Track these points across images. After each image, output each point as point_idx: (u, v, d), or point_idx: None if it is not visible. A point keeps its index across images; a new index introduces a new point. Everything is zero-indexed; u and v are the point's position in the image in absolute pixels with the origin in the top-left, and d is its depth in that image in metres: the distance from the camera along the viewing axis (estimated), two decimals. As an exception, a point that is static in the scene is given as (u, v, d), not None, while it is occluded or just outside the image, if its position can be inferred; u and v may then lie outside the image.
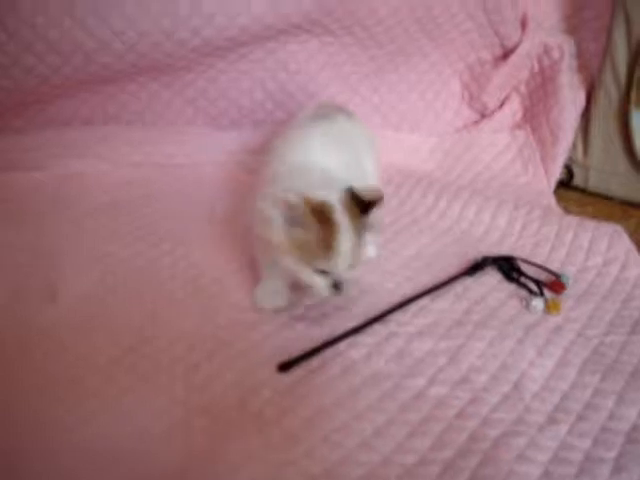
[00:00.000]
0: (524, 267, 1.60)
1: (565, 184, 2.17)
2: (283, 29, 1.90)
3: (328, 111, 1.52)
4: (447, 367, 1.30)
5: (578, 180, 2.17)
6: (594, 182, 2.14)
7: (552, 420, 1.19)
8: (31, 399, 1.20)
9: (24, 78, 1.82)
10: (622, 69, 1.98)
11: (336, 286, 1.22)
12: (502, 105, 2.29)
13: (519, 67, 2.19)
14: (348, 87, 2.18)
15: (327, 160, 1.31)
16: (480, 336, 1.38)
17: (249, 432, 1.14)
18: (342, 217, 1.17)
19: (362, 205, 1.20)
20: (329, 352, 1.32)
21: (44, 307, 1.43)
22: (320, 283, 1.22)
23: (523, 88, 2.25)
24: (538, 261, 1.63)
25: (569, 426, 1.17)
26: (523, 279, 1.58)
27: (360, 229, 1.20)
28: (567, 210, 1.98)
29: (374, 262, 1.58)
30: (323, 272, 1.20)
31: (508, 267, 1.60)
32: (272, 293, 1.42)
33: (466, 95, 2.31)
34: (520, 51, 2.16)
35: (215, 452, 1.10)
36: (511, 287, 1.57)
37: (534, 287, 1.53)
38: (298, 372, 1.27)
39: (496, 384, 1.26)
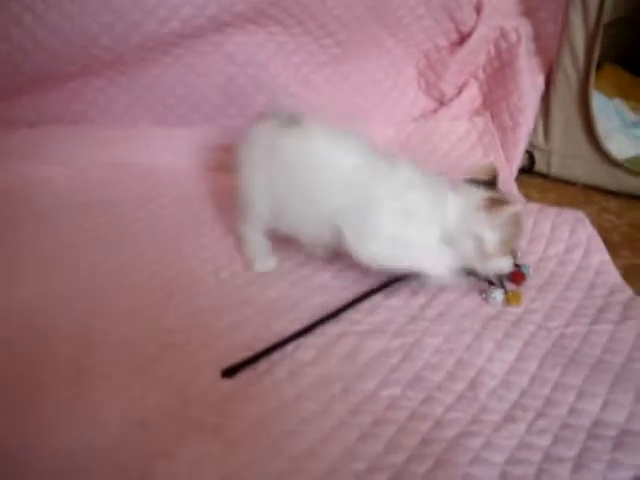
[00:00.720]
0: None
1: (527, 170, 2.13)
2: (228, 20, 1.83)
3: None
4: (400, 366, 1.24)
5: (540, 166, 2.13)
6: (556, 167, 2.10)
7: (509, 418, 1.13)
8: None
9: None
10: (580, 50, 1.94)
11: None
12: (460, 92, 2.24)
13: (476, 52, 2.15)
14: (300, 78, 2.11)
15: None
16: (436, 332, 1.33)
17: (189, 443, 1.07)
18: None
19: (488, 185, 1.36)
20: (276, 355, 1.26)
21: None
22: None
23: (481, 74, 2.21)
24: None
25: (527, 424, 1.12)
26: (482, 270, 1.50)
27: None
28: (529, 197, 1.94)
29: (325, 259, 1.52)
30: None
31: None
32: (263, 256, 1.51)
33: (423, 83, 2.27)
34: (476, 36, 2.11)
35: (151, 468, 1.03)
36: (471, 279, 1.49)
37: (494, 279, 1.46)
38: (243, 377, 1.21)
39: (451, 382, 1.21)
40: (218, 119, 2.09)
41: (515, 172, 2.07)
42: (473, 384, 1.20)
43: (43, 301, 1.41)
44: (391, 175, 1.34)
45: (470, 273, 1.38)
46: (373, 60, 2.18)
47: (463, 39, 2.16)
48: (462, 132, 2.19)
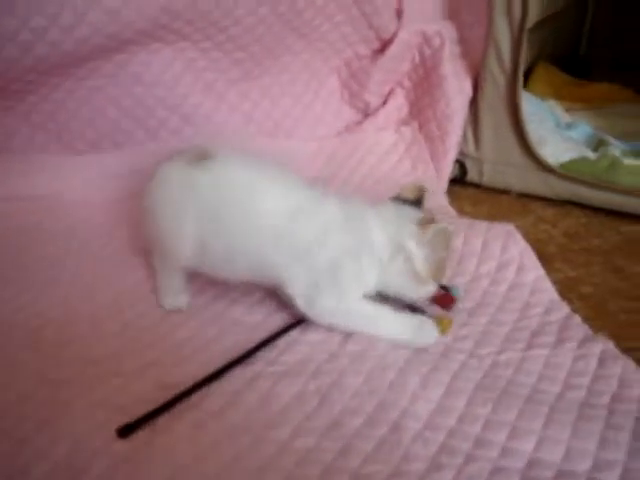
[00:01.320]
0: None
1: (458, 180, 2.06)
2: (129, 38, 1.71)
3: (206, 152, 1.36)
4: (317, 411, 1.13)
5: (472, 175, 2.05)
6: (489, 176, 2.03)
7: (435, 466, 1.02)
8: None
9: None
10: (506, 52, 1.87)
11: None
12: (386, 101, 2.16)
13: (399, 59, 2.06)
14: (214, 95, 2.00)
15: None
16: (356, 370, 1.22)
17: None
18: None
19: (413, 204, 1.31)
20: (180, 407, 1.14)
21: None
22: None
23: (407, 81, 2.13)
24: None
25: (455, 471, 1.01)
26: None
27: None
28: (461, 210, 1.85)
29: (237, 291, 1.44)
30: None
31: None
32: (177, 294, 1.41)
33: (346, 94, 2.18)
34: (397, 42, 2.03)
35: None
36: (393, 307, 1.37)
37: (421, 305, 1.38)
38: (140, 435, 1.09)
39: (371, 427, 1.10)
40: (127, 144, 1.96)
41: (446, 183, 1.99)
42: (396, 428, 1.10)
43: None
44: (320, 219, 1.30)
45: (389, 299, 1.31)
46: (291, 72, 2.08)
47: (385, 46, 2.08)
48: (389, 144, 2.10)
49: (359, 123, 2.17)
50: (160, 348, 1.31)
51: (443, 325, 1.32)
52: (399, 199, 1.30)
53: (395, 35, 2.04)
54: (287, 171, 1.36)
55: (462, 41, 2.05)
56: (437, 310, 1.37)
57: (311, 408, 1.14)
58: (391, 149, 2.09)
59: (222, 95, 2.02)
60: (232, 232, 1.29)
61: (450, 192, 1.95)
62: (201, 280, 1.42)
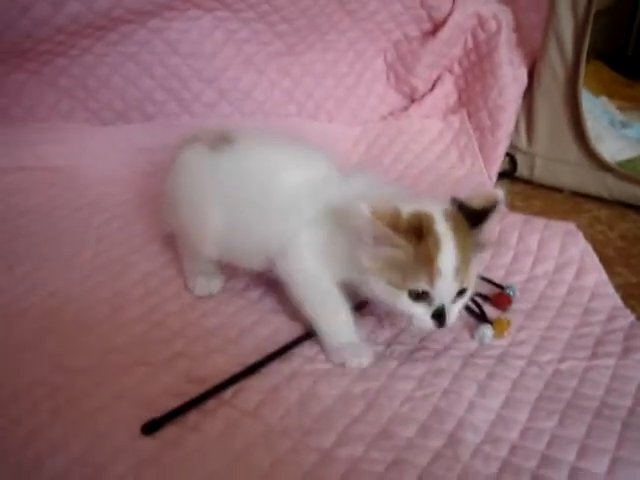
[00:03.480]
0: None
1: (508, 175, 1.94)
2: (165, 2, 1.60)
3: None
4: (363, 417, 1.02)
5: (522, 170, 1.93)
6: (540, 172, 1.91)
7: (499, 486, 0.89)
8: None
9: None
10: (568, 42, 1.74)
11: (438, 315, 1.05)
12: (433, 87, 2.04)
13: (451, 43, 1.94)
14: (253, 69, 1.88)
15: None
16: (406, 373, 1.11)
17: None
18: (444, 229, 1.02)
19: (472, 216, 1.06)
20: (211, 403, 1.03)
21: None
22: (419, 311, 1.05)
23: (457, 67, 2.01)
24: (479, 269, 1.32)
25: (520, 492, 0.88)
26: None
27: (469, 245, 1.04)
28: (511, 205, 1.73)
29: (270, 281, 1.30)
30: (423, 298, 1.04)
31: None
32: (207, 278, 1.32)
33: (392, 77, 2.06)
34: (451, 24, 1.90)
35: None
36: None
37: (473, 306, 1.26)
38: (167, 433, 0.98)
39: (425, 438, 0.98)
40: (159, 116, 1.86)
41: (494, 177, 1.88)
42: (452, 440, 0.98)
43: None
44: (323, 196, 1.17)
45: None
46: (336, 51, 1.96)
47: (436, 28, 1.95)
48: (435, 132, 1.99)
49: (404, 109, 2.07)
50: (189, 336, 1.20)
51: (501, 326, 1.22)
52: (458, 201, 1.08)
53: (449, 16, 1.92)
54: (308, 149, 1.27)
55: (518, 27, 1.92)
56: (494, 310, 1.28)
57: (357, 413, 1.03)
58: (437, 138, 1.98)
59: (262, 70, 1.91)
60: (251, 216, 1.20)
61: (498, 187, 1.81)
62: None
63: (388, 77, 2.07)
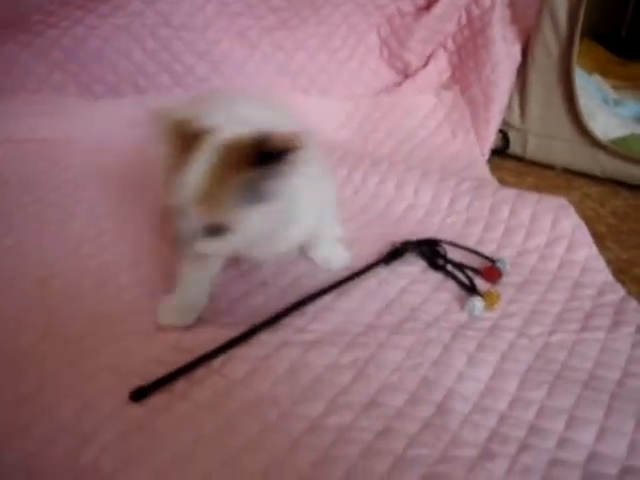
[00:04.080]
0: (453, 252, 1.35)
1: (500, 152, 1.93)
2: (160, -28, 1.57)
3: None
4: (352, 386, 1.02)
5: (515, 147, 1.93)
6: (533, 149, 1.90)
7: (487, 454, 0.92)
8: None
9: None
10: (562, 19, 1.73)
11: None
12: (427, 63, 2.03)
13: (445, 18, 1.94)
14: (246, 43, 1.88)
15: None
16: (396, 344, 1.10)
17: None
18: (209, 148, 0.90)
19: (259, 151, 0.90)
20: (200, 371, 1.03)
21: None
22: (181, 226, 0.95)
23: (450, 43, 1.99)
24: (470, 242, 1.40)
25: (509, 461, 0.91)
26: (451, 267, 1.31)
27: (238, 180, 0.90)
28: (503, 181, 1.74)
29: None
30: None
31: (432, 252, 1.30)
32: (183, 306, 1.15)
33: (385, 52, 2.05)
34: (445, 0, 1.86)
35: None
36: (437, 277, 1.31)
37: (464, 278, 1.28)
38: (156, 401, 0.98)
39: (414, 407, 0.98)
40: (150, 89, 1.85)
41: (487, 153, 1.86)
42: (441, 410, 0.98)
43: None
44: None
45: None
46: (329, 26, 1.96)
47: (430, 4, 1.95)
48: (428, 108, 1.98)
49: (397, 84, 2.06)
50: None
51: (491, 299, 1.21)
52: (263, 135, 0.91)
53: (443, -8, 1.88)
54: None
55: (511, 3, 1.91)
56: (483, 283, 1.27)
57: (346, 382, 1.03)
58: (430, 114, 1.97)
59: (255, 44, 1.90)
60: None
61: (491, 163, 1.83)
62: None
63: (381, 52, 2.05)
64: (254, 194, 0.92)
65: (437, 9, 1.92)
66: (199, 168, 0.89)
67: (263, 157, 0.89)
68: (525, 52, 1.87)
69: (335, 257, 1.31)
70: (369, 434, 0.93)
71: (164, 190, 0.94)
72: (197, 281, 1.15)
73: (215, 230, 0.93)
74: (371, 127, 1.95)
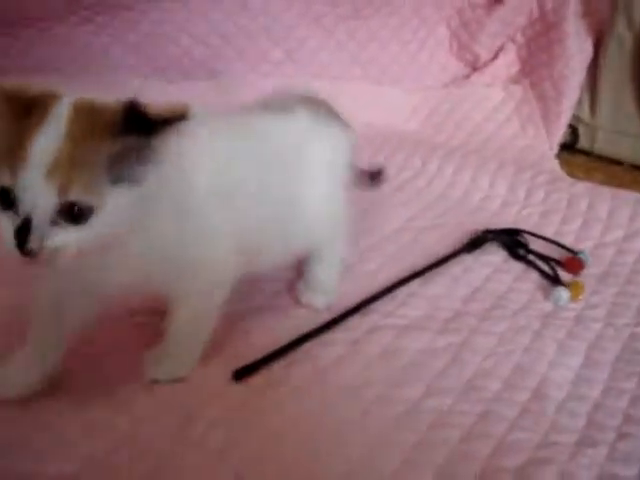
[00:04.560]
0: (532, 243, 1.36)
1: (569, 147, 1.93)
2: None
3: (290, 103, 1.10)
4: (448, 371, 1.02)
5: (583, 142, 1.92)
6: (601, 144, 1.90)
7: (588, 441, 0.91)
8: None
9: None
10: (637, 14, 1.73)
11: (20, 232, 0.70)
12: (495, 56, 2.03)
13: (517, 12, 1.93)
14: (321, 30, 1.89)
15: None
16: (486, 330, 1.11)
17: (185, 471, 0.84)
18: (62, 114, 0.71)
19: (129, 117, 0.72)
20: (295, 354, 1.04)
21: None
22: (5, 228, 0.72)
23: (520, 37, 1.98)
24: (547, 234, 1.39)
25: (609, 448, 0.90)
26: (533, 257, 1.32)
27: (100, 150, 0.71)
28: (572, 176, 1.72)
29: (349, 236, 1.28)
30: (9, 205, 0.71)
31: (513, 242, 1.30)
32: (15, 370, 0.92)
33: (455, 45, 2.05)
34: (518, -8, 1.85)
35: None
36: (518, 267, 1.31)
37: (546, 268, 1.28)
38: (256, 381, 0.99)
39: (511, 393, 0.98)
40: (225, 74, 1.85)
41: (556, 148, 1.86)
42: (537, 396, 0.98)
43: None
44: None
45: None
46: (401, 17, 1.96)
47: (501, -4, 1.91)
48: (497, 101, 1.98)
49: (466, 77, 2.06)
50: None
51: (576, 290, 1.21)
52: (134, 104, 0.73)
53: (515, -15, 1.88)
54: None
55: (583, -2, 1.88)
56: (564, 274, 1.28)
57: (441, 366, 1.03)
58: (499, 107, 1.97)
59: (330, 30, 1.92)
60: None
61: (559, 158, 1.83)
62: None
63: (451, 44, 2.05)
64: (121, 172, 0.73)
65: (510, 2, 1.92)
66: (51, 136, 0.70)
67: (134, 125, 0.72)
68: (597, 47, 1.87)
69: (315, 298, 1.17)
70: (469, 417, 0.94)
71: None
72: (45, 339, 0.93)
73: (71, 214, 0.71)
74: (440, 119, 1.96)
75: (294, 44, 1.86)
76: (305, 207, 1.06)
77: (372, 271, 1.27)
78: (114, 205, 0.73)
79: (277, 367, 1.01)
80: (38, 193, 0.69)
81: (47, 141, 0.69)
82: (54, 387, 0.93)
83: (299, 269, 1.19)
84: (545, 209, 1.51)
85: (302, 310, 1.15)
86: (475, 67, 2.06)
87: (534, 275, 1.28)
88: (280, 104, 1.07)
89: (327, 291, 1.16)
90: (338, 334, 1.09)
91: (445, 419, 0.93)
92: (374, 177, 1.34)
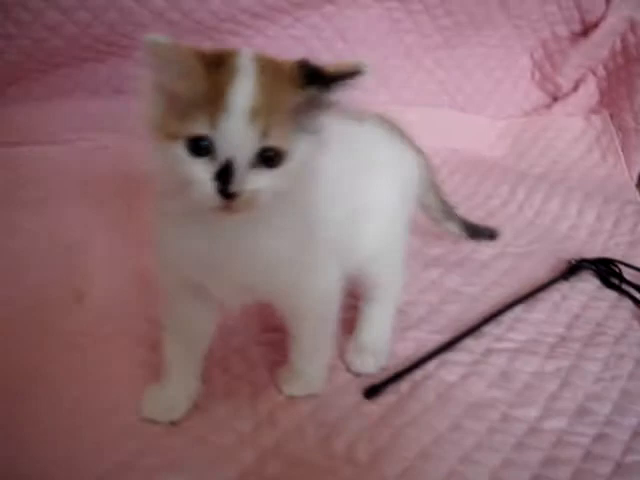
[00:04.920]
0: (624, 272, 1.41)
1: (646, 177, 1.93)
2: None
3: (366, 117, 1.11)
4: (560, 393, 1.09)
5: (661, 171, 1.92)
6: (678, 174, 1.89)
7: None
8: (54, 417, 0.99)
9: (49, 37, 1.58)
10: None
11: (222, 175, 0.73)
12: (576, 87, 2.07)
13: (600, 45, 1.97)
14: (412, 60, 1.97)
15: None
16: (591, 356, 1.17)
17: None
18: (248, 64, 0.74)
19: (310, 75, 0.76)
20: (417, 374, 1.11)
21: (68, 309, 1.21)
22: (199, 174, 0.74)
23: (600, 68, 2.03)
24: (635, 264, 1.43)
25: None
26: (625, 286, 1.36)
27: (286, 98, 0.75)
28: (651, 207, 1.74)
29: (449, 261, 1.40)
30: (203, 153, 0.73)
31: (607, 271, 1.36)
32: (169, 399, 1.00)
33: (537, 75, 2.10)
34: (604, 26, 1.94)
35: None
36: (612, 295, 1.36)
37: (639, 296, 1.34)
38: (387, 399, 1.05)
39: (622, 416, 1.05)
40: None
41: (636, 178, 1.90)
42: (646, 419, 1.02)
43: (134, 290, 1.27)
44: None
45: None
46: (487, 47, 2.02)
47: (586, 29, 1.99)
48: (578, 130, 2.03)
49: (546, 106, 2.11)
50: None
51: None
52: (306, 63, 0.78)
53: (601, 19, 1.96)
54: None
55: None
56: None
57: (554, 389, 1.10)
58: (580, 136, 2.02)
59: (419, 60, 1.98)
60: None
61: (638, 188, 1.86)
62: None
63: (533, 74, 2.10)
64: (304, 121, 0.77)
65: (595, 36, 1.96)
66: (246, 87, 0.72)
67: (313, 79, 0.75)
68: (676, 80, 1.90)
69: (361, 361, 1.13)
70: (586, 439, 1.00)
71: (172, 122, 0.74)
72: (183, 362, 1.01)
73: (268, 158, 0.75)
74: (524, 146, 2.01)
75: (387, 72, 1.94)
76: (370, 220, 1.05)
77: (476, 294, 1.33)
78: (300, 151, 0.76)
79: (404, 386, 1.08)
80: (241, 138, 0.72)
81: (244, 91, 0.72)
82: (199, 407, 1.02)
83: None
84: (633, 239, 1.56)
85: (415, 331, 1.22)
86: (556, 97, 2.10)
87: (628, 303, 1.33)
88: (356, 116, 1.07)
89: (378, 352, 1.14)
90: (455, 355, 1.15)
91: (564, 439, 1.00)
92: (492, 235, 1.42)
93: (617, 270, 1.40)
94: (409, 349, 1.16)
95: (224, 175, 0.72)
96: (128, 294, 1.25)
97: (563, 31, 2.01)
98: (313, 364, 1.05)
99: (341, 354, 1.12)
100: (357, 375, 1.10)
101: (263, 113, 0.72)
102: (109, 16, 1.57)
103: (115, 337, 1.15)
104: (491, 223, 1.51)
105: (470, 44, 2.00)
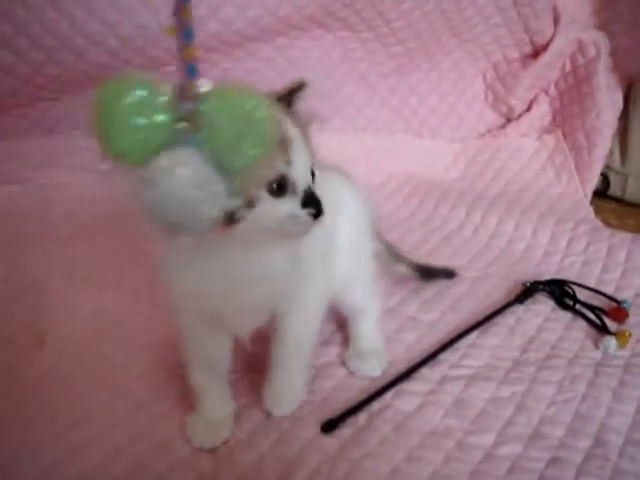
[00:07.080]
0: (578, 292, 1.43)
1: (600, 194, 2.01)
2: (296, 23, 1.70)
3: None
4: (515, 419, 1.11)
5: (615, 189, 2.01)
6: (632, 191, 1.98)
7: (650, 485, 0.97)
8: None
9: (3, 78, 1.58)
10: (665, 66, 1.77)
11: (310, 202, 0.84)
12: (529, 108, 2.12)
13: (551, 66, 2.03)
14: (366, 87, 1.99)
15: None
16: (546, 379, 1.19)
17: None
18: (273, 106, 0.79)
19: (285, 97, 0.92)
20: (375, 405, 1.13)
21: (30, 353, 1.22)
22: (287, 207, 0.82)
23: (552, 89, 2.07)
24: (589, 283, 1.46)
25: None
26: (579, 307, 1.39)
27: (298, 120, 0.90)
28: (606, 224, 1.80)
29: (408, 287, 1.42)
30: (284, 191, 0.83)
31: (561, 292, 1.39)
32: (212, 424, 1.06)
33: (490, 97, 2.14)
34: (553, 48, 1.98)
35: None
36: (566, 316, 1.39)
37: (592, 316, 1.36)
38: (344, 432, 1.07)
39: (575, 439, 1.07)
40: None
41: (590, 195, 1.94)
42: (598, 441, 1.06)
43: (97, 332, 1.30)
44: None
45: None
46: (440, 71, 2.06)
47: (536, 51, 2.04)
48: (531, 150, 2.07)
49: (501, 127, 2.15)
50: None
51: (624, 338, 1.29)
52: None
53: (550, 41, 2.00)
54: None
55: (613, 52, 2.00)
56: (614, 324, 1.35)
57: (509, 415, 1.12)
58: (534, 156, 2.06)
59: (373, 87, 2.01)
60: None
61: (591, 204, 1.90)
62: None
63: (486, 96, 2.14)
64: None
65: (545, 57, 2.00)
66: (288, 120, 0.85)
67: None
68: (627, 97, 1.97)
69: (366, 365, 1.22)
70: (540, 463, 1.02)
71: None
72: (215, 387, 1.08)
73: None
74: (479, 168, 2.04)
75: (341, 100, 1.96)
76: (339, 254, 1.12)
77: (433, 321, 1.36)
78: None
79: (361, 418, 1.10)
80: (306, 162, 0.85)
81: (289, 123, 0.84)
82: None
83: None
84: (586, 258, 1.59)
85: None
86: (509, 118, 2.15)
87: (582, 324, 1.36)
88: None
89: (379, 354, 1.24)
90: (412, 385, 1.17)
91: (520, 465, 1.02)
92: (449, 274, 1.45)
93: (571, 291, 1.40)
94: (366, 380, 1.18)
95: (310, 199, 0.84)
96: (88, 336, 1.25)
97: (514, 53, 2.05)
98: (300, 380, 1.10)
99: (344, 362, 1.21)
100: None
101: (307, 145, 0.86)
102: (62, 56, 1.55)
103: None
104: (447, 247, 1.55)
105: (423, 70, 2.03)
